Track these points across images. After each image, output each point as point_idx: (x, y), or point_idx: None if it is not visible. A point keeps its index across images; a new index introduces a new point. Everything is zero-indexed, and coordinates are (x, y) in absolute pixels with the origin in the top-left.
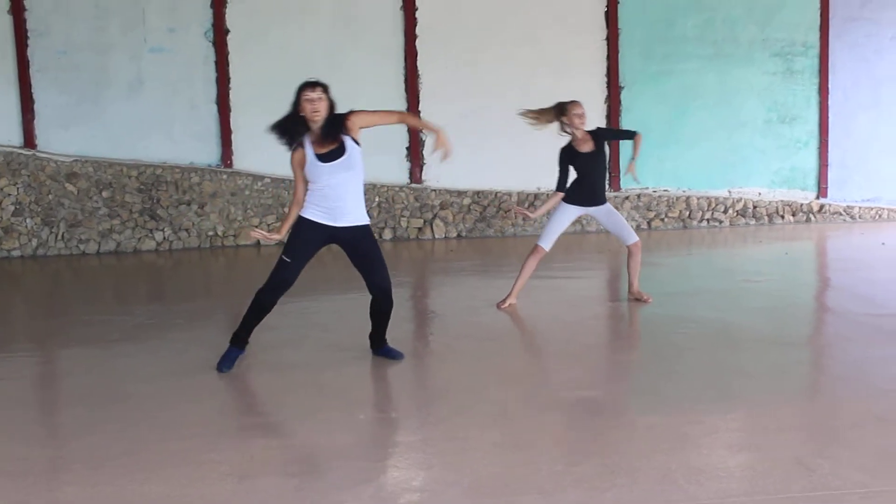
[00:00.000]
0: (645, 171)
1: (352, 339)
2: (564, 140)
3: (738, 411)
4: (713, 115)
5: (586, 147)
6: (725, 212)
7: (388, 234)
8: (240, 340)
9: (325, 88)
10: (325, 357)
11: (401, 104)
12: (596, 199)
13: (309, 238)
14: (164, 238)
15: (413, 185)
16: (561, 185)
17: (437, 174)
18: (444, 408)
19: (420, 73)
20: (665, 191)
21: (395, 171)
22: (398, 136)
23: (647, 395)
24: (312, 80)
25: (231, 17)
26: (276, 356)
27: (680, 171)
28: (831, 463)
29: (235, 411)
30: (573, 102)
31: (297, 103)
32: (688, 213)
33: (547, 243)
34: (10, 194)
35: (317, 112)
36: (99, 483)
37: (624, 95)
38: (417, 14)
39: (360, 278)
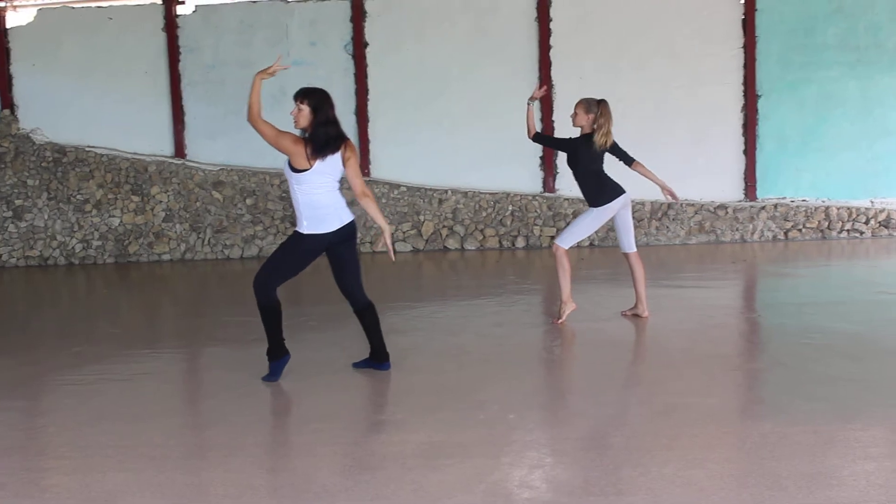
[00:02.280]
0: (782, 180)
1: (476, 343)
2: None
3: (858, 423)
4: (855, 124)
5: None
6: (867, 223)
7: (521, 243)
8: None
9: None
10: (449, 359)
11: (534, 114)
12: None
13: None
14: None
15: (546, 194)
16: (542, 137)
17: (570, 183)
18: (562, 410)
19: (554, 83)
20: (803, 201)
21: (528, 181)
22: (531, 144)
23: (764, 404)
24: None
25: (370, 31)
26: (403, 358)
27: (819, 181)
28: None
29: (361, 408)
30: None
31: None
32: (827, 223)
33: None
34: (161, 201)
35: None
36: (231, 469)
37: (761, 104)
38: (552, 25)
39: (495, 286)
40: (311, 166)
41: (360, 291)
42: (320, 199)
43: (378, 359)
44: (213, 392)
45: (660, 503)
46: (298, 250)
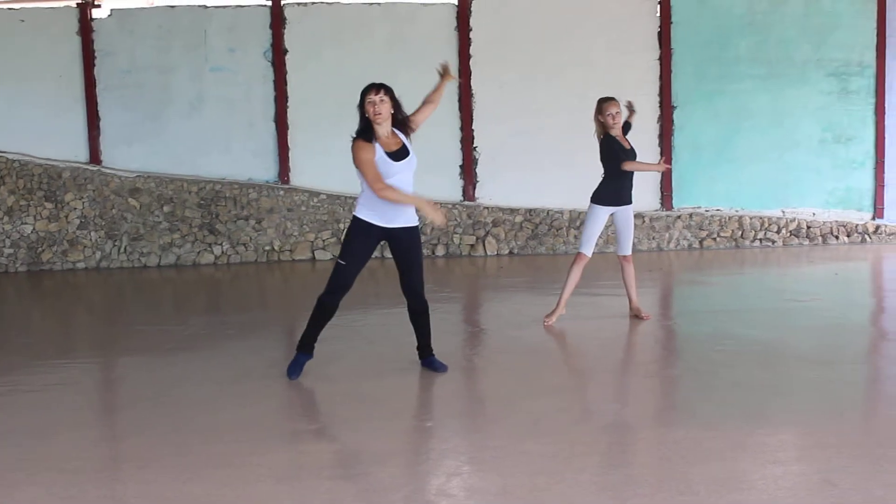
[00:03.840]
0: (697, 189)
1: (395, 352)
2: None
3: (768, 428)
4: (766, 135)
5: (626, 144)
6: (778, 231)
7: (440, 251)
8: (306, 346)
9: (387, 90)
10: (368, 368)
11: (454, 123)
12: (627, 197)
13: (364, 240)
14: (223, 252)
15: (466, 203)
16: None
17: (490, 192)
18: (480, 418)
19: (473, 92)
20: (717, 210)
21: (449, 189)
22: (452, 153)
23: (678, 411)
24: (376, 83)
25: (289, 38)
26: (323, 367)
27: (733, 191)
28: (855, 479)
29: (279, 418)
30: (609, 100)
31: (361, 106)
32: (740, 232)
33: (588, 249)
34: (75, 208)
35: (379, 114)
36: (145, 481)
37: (676, 115)
38: (472, 35)
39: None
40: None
41: None
42: None
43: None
44: (128, 403)
45: None
46: None
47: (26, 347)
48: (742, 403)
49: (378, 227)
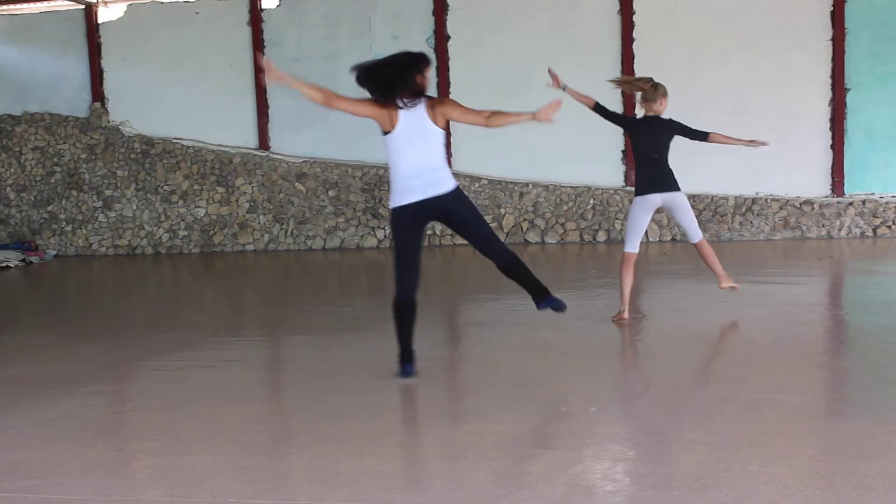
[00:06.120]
0: (871, 175)
1: (557, 336)
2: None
3: None
4: None
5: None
6: None
7: (601, 237)
8: (404, 355)
9: None
10: (530, 352)
11: (616, 108)
12: (668, 183)
13: (406, 227)
14: (386, 236)
15: (628, 188)
16: (602, 109)
17: None
18: (644, 405)
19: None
20: (893, 196)
21: (609, 175)
22: (613, 139)
23: (852, 403)
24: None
25: (452, 24)
26: (484, 349)
27: None
28: None
29: (442, 398)
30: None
31: (416, 72)
32: None
33: (632, 247)
34: (245, 192)
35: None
36: (317, 456)
37: (850, 97)
38: (635, 18)
39: (576, 279)
40: (394, 126)
41: (498, 247)
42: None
43: (541, 296)
44: (297, 380)
45: (743, 499)
46: (392, 227)
47: (200, 325)
48: None
49: (411, 206)
